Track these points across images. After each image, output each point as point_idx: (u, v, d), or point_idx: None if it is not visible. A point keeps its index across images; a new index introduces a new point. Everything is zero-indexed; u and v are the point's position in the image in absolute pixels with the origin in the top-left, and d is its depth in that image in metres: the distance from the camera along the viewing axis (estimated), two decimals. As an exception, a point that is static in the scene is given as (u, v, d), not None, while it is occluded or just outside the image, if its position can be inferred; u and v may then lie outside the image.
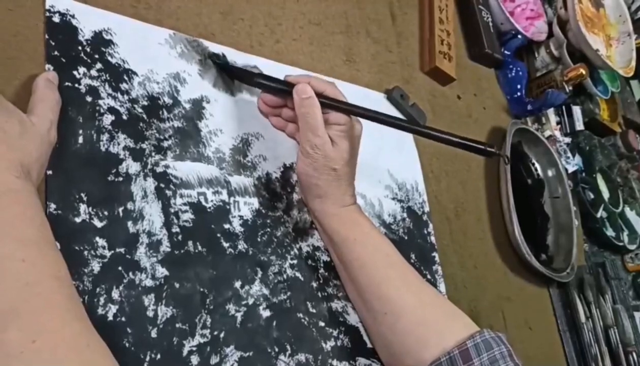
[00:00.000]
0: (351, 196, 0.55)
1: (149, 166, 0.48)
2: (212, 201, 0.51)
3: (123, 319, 0.42)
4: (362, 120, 0.55)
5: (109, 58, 0.48)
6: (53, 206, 0.41)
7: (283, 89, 0.53)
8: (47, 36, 0.45)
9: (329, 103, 0.52)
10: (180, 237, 0.47)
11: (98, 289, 0.41)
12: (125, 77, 0.49)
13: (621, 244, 1.11)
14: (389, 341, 0.52)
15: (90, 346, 0.33)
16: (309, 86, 0.51)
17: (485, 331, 0.48)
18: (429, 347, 0.48)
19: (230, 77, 0.57)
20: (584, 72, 1.02)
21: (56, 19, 0.46)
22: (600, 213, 1.10)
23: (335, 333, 0.54)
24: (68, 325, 0.32)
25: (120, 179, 0.46)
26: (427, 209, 0.73)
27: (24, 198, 0.35)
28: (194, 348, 0.44)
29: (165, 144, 0.50)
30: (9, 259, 0.32)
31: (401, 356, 0.51)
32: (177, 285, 0.45)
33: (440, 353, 0.47)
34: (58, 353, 0.31)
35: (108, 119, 0.46)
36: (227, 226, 0.51)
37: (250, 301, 0.50)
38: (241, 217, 0.52)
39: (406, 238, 0.68)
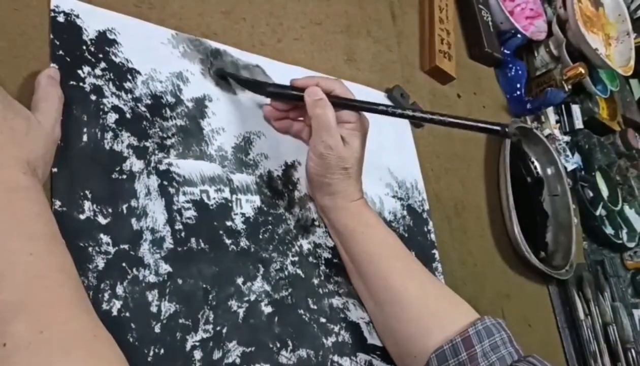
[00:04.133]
0: (359, 191, 0.56)
1: (153, 164, 0.48)
2: (214, 198, 0.51)
3: (127, 314, 0.42)
4: (367, 116, 0.56)
5: (113, 57, 0.49)
6: (58, 203, 0.42)
7: (293, 95, 0.54)
8: (52, 36, 0.46)
9: (339, 102, 0.52)
10: (183, 234, 0.48)
11: (102, 285, 0.42)
12: (129, 76, 0.50)
13: (620, 242, 1.12)
14: (395, 330, 0.53)
15: (98, 338, 0.33)
16: (319, 88, 0.52)
17: (486, 318, 0.50)
18: (433, 335, 0.50)
19: (243, 86, 0.58)
20: (583, 71, 1.02)
21: (61, 18, 0.47)
22: (600, 211, 1.10)
23: (336, 329, 0.55)
24: (75, 316, 0.33)
25: (124, 176, 0.46)
26: (426, 207, 0.74)
27: (31, 195, 0.36)
28: (197, 343, 0.45)
29: (169, 142, 0.50)
30: (17, 253, 0.33)
31: (406, 345, 0.52)
32: (180, 281, 0.46)
33: (444, 340, 0.49)
34: (66, 343, 0.31)
35: (112, 117, 0.47)
36: (229, 223, 0.51)
37: (252, 297, 0.50)
38: (243, 214, 0.53)
39: (406, 235, 0.68)
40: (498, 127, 0.50)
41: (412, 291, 0.53)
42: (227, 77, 0.57)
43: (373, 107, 0.54)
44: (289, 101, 0.56)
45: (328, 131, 0.51)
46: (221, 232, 0.50)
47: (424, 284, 0.54)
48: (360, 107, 0.54)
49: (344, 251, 0.57)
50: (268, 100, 0.58)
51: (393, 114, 0.53)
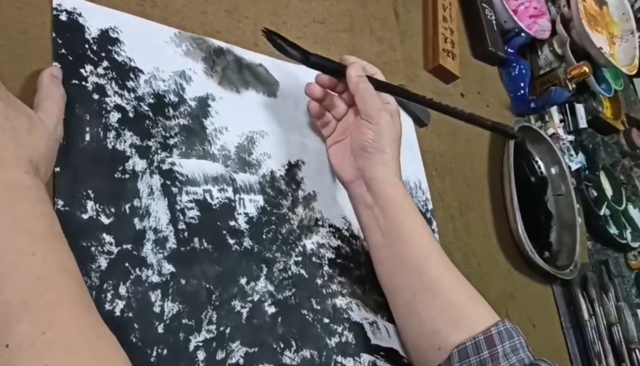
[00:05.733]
0: (400, 170, 0.57)
1: (155, 164, 0.48)
2: (217, 198, 0.51)
3: (130, 314, 0.42)
4: None
5: (116, 56, 0.49)
6: (61, 202, 0.41)
7: (334, 68, 0.57)
8: (54, 34, 0.45)
9: (378, 83, 0.57)
10: (186, 234, 0.48)
11: (105, 285, 0.41)
12: (132, 75, 0.49)
13: (624, 241, 1.11)
14: (421, 318, 0.53)
15: (101, 338, 0.33)
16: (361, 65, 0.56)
17: (506, 321, 0.51)
18: (459, 329, 0.50)
19: (284, 53, 0.57)
20: (587, 70, 1.02)
21: (63, 17, 0.47)
22: (604, 211, 1.10)
23: (339, 329, 0.55)
24: (78, 317, 0.33)
25: (127, 176, 0.46)
26: (430, 207, 0.73)
27: (34, 194, 0.36)
28: (200, 344, 0.44)
29: (171, 141, 0.50)
30: (20, 254, 0.33)
31: (429, 335, 0.52)
32: (183, 281, 0.46)
33: (467, 337, 0.49)
34: (69, 344, 0.31)
35: (115, 116, 0.47)
36: (232, 223, 0.51)
37: (256, 297, 0.50)
38: (246, 214, 0.52)
39: (410, 235, 0.68)
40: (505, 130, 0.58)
41: (447, 280, 0.53)
42: (276, 41, 0.56)
43: (405, 94, 0.59)
44: (330, 73, 0.58)
45: (375, 102, 0.54)
46: (224, 232, 0.50)
47: (456, 278, 0.54)
48: (397, 92, 0.58)
49: (377, 228, 0.55)
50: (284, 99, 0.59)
51: (426, 104, 0.58)
